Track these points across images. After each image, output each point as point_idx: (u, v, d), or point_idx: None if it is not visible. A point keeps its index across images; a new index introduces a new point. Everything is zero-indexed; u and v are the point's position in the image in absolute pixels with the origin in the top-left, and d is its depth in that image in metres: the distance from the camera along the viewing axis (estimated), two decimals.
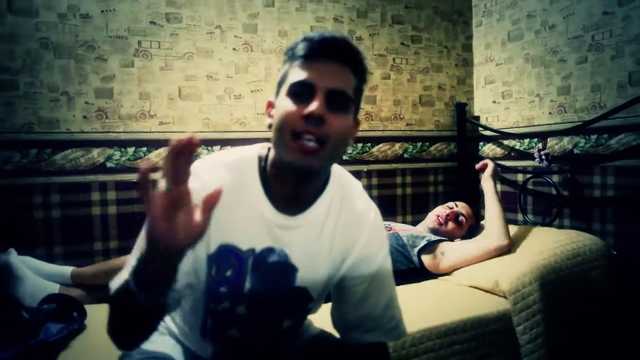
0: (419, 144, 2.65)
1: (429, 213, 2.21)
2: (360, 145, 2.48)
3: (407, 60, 2.61)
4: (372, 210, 1.04)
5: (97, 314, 1.50)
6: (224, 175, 0.91)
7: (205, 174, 0.89)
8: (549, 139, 2.30)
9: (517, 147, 2.52)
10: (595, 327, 1.64)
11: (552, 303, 1.55)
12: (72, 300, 1.47)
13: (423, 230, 2.13)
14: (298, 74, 0.87)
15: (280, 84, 0.92)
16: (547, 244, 1.73)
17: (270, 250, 0.93)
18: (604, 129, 2.06)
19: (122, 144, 2.03)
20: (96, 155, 2.00)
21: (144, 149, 2.07)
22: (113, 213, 2.03)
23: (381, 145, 2.54)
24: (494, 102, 2.67)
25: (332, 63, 0.87)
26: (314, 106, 0.83)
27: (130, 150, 2.05)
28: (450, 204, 2.21)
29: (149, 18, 2.05)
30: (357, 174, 2.45)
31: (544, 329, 1.50)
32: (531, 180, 2.40)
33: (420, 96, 2.65)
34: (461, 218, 2.13)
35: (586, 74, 2.16)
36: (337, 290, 1.05)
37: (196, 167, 0.91)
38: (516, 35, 2.51)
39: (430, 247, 1.90)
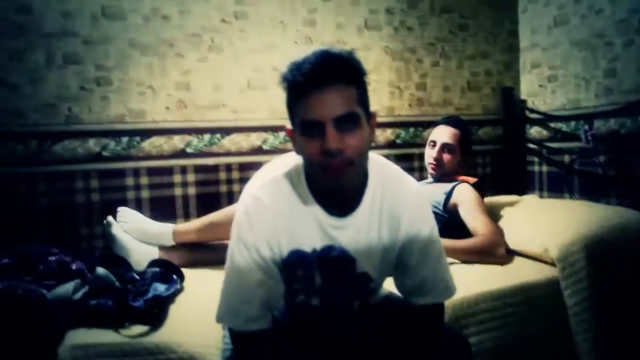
0: None
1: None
2: (412, 129, 2.64)
3: (456, 48, 2.74)
4: (412, 189, 1.14)
5: (192, 278, 1.75)
6: (282, 191, 1.06)
7: (266, 197, 1.05)
8: (595, 121, 2.39)
9: (563, 129, 2.62)
10: (638, 294, 1.76)
11: (598, 271, 1.68)
12: (172, 265, 1.72)
13: (432, 186, 2.13)
14: (302, 112, 0.95)
15: (290, 114, 1.01)
16: (593, 216, 1.85)
17: (330, 248, 1.08)
18: None
19: (199, 132, 2.27)
20: (177, 141, 2.25)
21: (218, 135, 2.31)
22: (192, 193, 2.28)
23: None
24: (540, 86, 2.76)
25: (330, 89, 0.93)
26: (329, 143, 0.93)
27: (206, 136, 2.29)
28: (432, 137, 2.16)
29: (220, 16, 2.27)
30: (410, 157, 2.62)
31: (590, 294, 1.64)
32: (578, 160, 2.50)
33: (469, 82, 2.78)
34: (449, 146, 2.09)
35: (633, 57, 2.24)
36: (395, 263, 1.19)
37: (255, 191, 1.07)
38: (562, 20, 2.59)
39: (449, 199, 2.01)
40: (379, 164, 1.14)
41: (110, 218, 1.92)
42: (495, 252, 1.82)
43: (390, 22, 2.59)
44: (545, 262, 1.79)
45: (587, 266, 1.67)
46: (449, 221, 1.97)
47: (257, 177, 1.13)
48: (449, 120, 2.19)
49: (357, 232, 1.09)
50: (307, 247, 1.08)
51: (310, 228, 1.08)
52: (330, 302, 1.17)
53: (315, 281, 1.12)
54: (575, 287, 1.66)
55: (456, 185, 2.05)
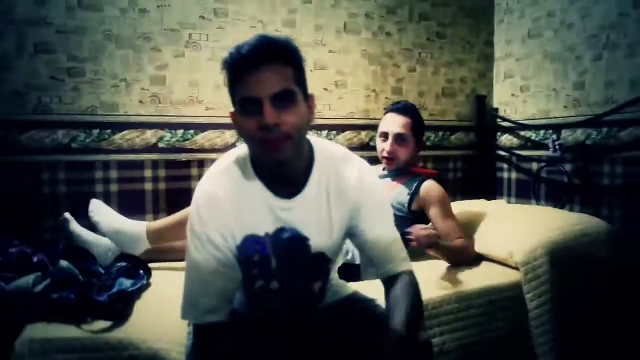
0: (440, 133, 2.83)
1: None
2: None
3: (433, 55, 2.78)
4: (358, 168, 1.18)
5: (159, 274, 1.74)
6: (230, 180, 1.10)
7: (214, 188, 1.09)
8: (563, 131, 2.46)
9: (532, 138, 2.68)
10: (597, 299, 1.82)
11: (560, 275, 1.73)
12: (139, 260, 1.70)
13: (391, 185, 2.01)
14: (242, 90, 1.00)
15: (232, 96, 1.05)
16: (558, 223, 1.90)
17: (281, 230, 1.12)
18: (615, 122, 2.22)
19: (173, 127, 2.25)
20: (150, 136, 2.22)
21: (192, 131, 2.29)
22: (163, 189, 2.25)
23: None
24: (513, 95, 2.83)
25: (267, 69, 0.99)
26: (266, 118, 0.98)
27: (180, 132, 2.27)
28: (383, 129, 1.99)
29: (199, 13, 2.26)
30: None
31: (551, 297, 1.70)
32: (545, 168, 2.57)
33: (444, 88, 2.83)
34: (403, 136, 1.94)
35: (601, 71, 2.31)
36: (353, 241, 1.24)
37: (204, 184, 1.11)
38: (536, 33, 2.66)
39: (415, 198, 1.94)
40: (325, 147, 1.19)
41: (67, 215, 1.86)
42: (472, 254, 1.90)
43: (369, 27, 2.61)
44: (510, 266, 1.83)
45: (550, 271, 1.73)
46: (414, 221, 1.91)
47: (207, 173, 1.15)
48: (398, 108, 2.00)
49: (306, 212, 1.13)
50: (261, 232, 1.11)
51: (260, 212, 1.11)
52: (289, 285, 1.19)
53: (272, 264, 1.15)
54: (537, 291, 1.71)
55: (421, 182, 1.96)
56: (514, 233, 1.87)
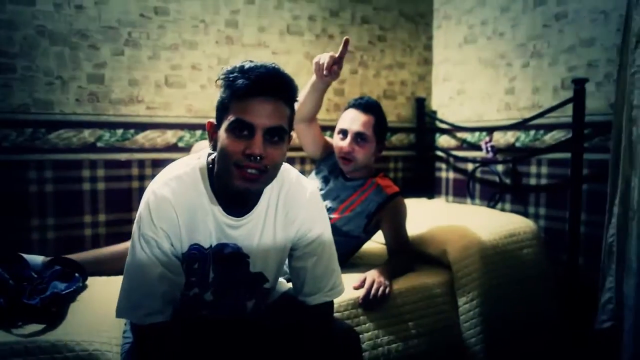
0: None
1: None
2: (328, 133, 2.73)
3: (374, 57, 2.87)
4: (306, 191, 1.23)
5: (97, 275, 1.71)
6: (184, 188, 1.10)
7: (167, 193, 1.08)
8: (495, 133, 2.60)
9: (468, 140, 2.82)
10: (522, 293, 1.94)
11: (489, 272, 1.85)
12: (74, 262, 1.67)
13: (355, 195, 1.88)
14: (237, 111, 1.03)
15: (220, 110, 1.07)
16: (489, 223, 2.03)
17: (224, 245, 1.15)
18: (540, 126, 2.38)
19: (111, 126, 2.21)
20: (87, 135, 2.17)
21: (132, 130, 2.25)
22: (102, 189, 2.20)
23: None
24: (450, 98, 2.96)
25: (269, 100, 1.03)
26: (254, 147, 1.01)
27: (119, 131, 2.23)
28: (341, 125, 1.86)
29: (138, 10, 2.22)
30: None
31: (479, 293, 1.80)
32: (479, 169, 2.71)
33: (385, 90, 2.92)
34: (362, 135, 1.81)
35: (528, 77, 2.47)
36: (291, 263, 1.28)
37: (157, 187, 1.10)
38: (471, 39, 2.80)
39: (378, 212, 1.85)
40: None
41: None
42: (413, 262, 1.92)
43: (311, 29, 2.66)
44: (442, 263, 1.93)
45: (479, 268, 1.83)
46: (362, 242, 1.95)
47: (160, 176, 1.15)
48: (359, 104, 1.86)
49: (251, 231, 1.17)
50: (205, 243, 1.14)
51: (207, 225, 1.13)
52: (222, 298, 1.22)
53: (210, 276, 1.17)
54: (467, 287, 1.81)
55: (388, 200, 1.85)
56: (449, 232, 1.97)
